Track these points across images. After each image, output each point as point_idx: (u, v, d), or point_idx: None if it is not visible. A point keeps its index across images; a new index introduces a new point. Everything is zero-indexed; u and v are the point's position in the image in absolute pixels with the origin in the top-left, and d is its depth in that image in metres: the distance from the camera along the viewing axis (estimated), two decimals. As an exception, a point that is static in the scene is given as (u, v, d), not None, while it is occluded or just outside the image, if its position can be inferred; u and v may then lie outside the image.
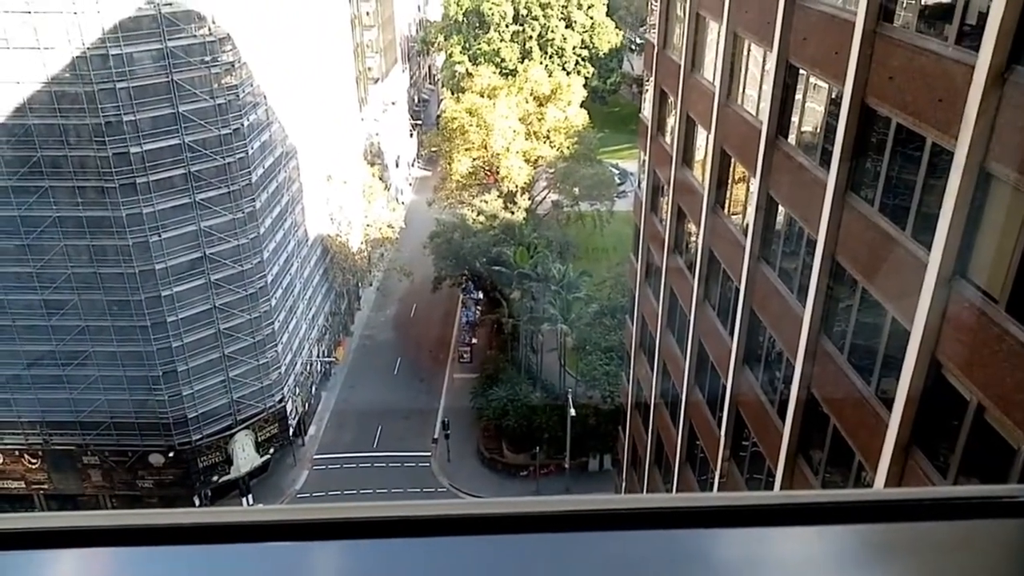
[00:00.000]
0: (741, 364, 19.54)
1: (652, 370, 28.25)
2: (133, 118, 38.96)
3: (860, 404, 13.28)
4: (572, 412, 44.01)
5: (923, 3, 11.65)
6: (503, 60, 79.82)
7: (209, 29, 40.38)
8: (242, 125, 42.60)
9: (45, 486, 47.41)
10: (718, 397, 21.15)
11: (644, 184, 29.11)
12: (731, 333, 19.84)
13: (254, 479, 47.77)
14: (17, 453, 46.27)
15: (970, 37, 10.15)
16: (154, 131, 39.84)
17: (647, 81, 28.60)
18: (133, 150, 39.19)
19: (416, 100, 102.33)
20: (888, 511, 1.47)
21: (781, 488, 16.35)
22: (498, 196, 58.94)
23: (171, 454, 45.48)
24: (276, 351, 47.34)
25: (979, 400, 10.07)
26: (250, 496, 46.90)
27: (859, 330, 13.90)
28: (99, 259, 40.91)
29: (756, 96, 18.29)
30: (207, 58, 40.47)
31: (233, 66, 42.07)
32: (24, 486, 47.33)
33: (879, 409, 12.58)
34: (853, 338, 14.04)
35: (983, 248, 10.28)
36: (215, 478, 46.91)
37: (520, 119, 61.66)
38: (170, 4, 38.87)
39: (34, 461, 46.58)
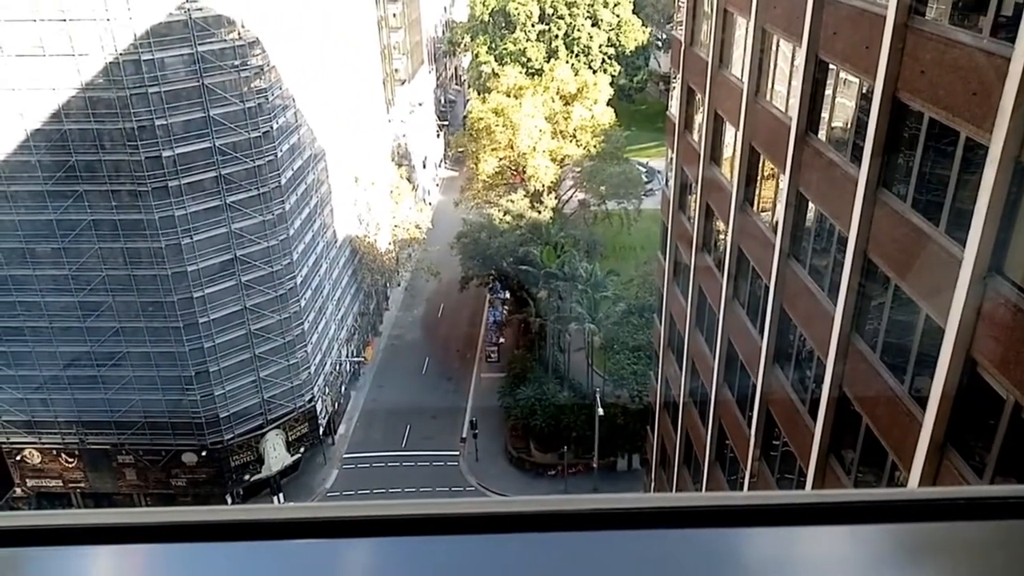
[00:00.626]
0: (771, 363, 19.35)
1: (681, 369, 28.07)
2: (165, 122, 39.57)
3: (893, 403, 13.09)
4: (600, 411, 43.87)
5: (956, -5, 11.45)
6: (529, 60, 79.83)
7: (239, 33, 40.87)
8: (271, 128, 43.08)
9: (82, 484, 48.31)
10: (748, 396, 20.97)
11: (672, 182, 28.94)
12: (761, 332, 19.65)
13: (285, 478, 48.28)
14: (55, 452, 47.22)
15: (1006, 29, 9.96)
16: (186, 135, 40.42)
17: (674, 78, 28.42)
18: (165, 154, 39.81)
19: (443, 101, 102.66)
20: (922, 510, 1.45)
21: (813, 488, 16.16)
22: (525, 195, 58.97)
23: (204, 453, 46.11)
24: (306, 351, 47.79)
25: (1016, 399, 9.88)
26: (281, 495, 47.40)
27: (892, 328, 13.70)
28: (133, 261, 41.60)
29: (785, 92, 18.10)
30: (237, 62, 40.98)
31: (262, 69, 42.55)
32: (62, 484, 48.29)
33: (912, 408, 12.39)
34: (886, 336, 13.84)
35: (1019, 244, 10.09)
36: (247, 477, 47.47)
37: (546, 118, 61.61)
38: (200, 9, 39.41)
39: (71, 460, 47.50)
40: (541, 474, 48.88)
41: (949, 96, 11.30)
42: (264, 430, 47.15)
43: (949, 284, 10.92)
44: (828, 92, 15.86)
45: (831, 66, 15.59)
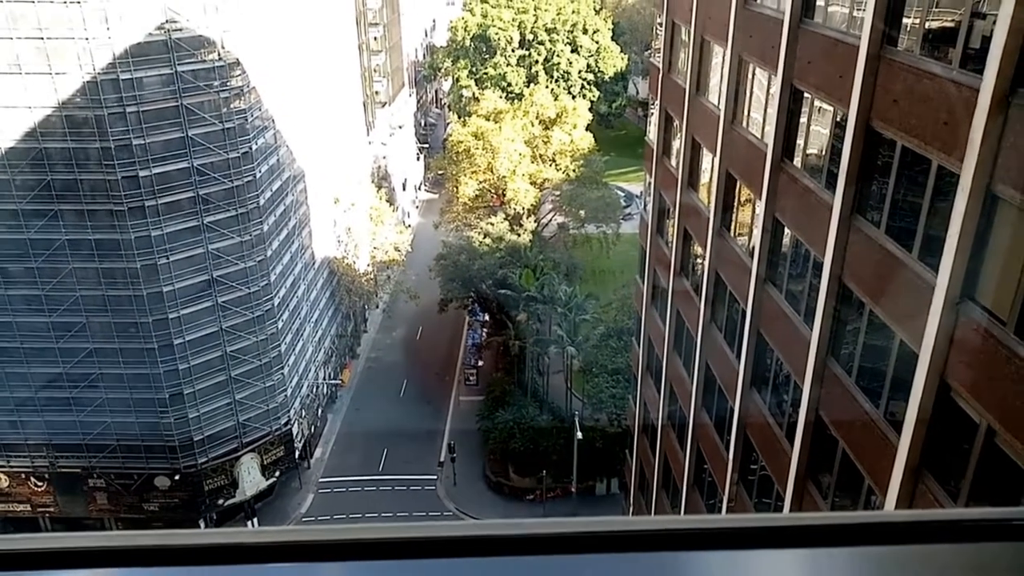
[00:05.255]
0: (748, 387, 19.45)
1: (659, 393, 28.13)
2: (143, 142, 39.31)
3: (869, 427, 13.18)
4: (579, 435, 43.78)
5: (927, 27, 11.71)
6: (509, 84, 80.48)
7: (219, 54, 40.83)
8: (250, 148, 42.95)
9: (51, 509, 47.28)
10: (726, 420, 21.03)
11: (650, 207, 29.17)
12: (738, 356, 19.76)
13: (260, 502, 47.58)
14: (23, 476, 46.22)
15: (974, 60, 10.20)
16: (163, 154, 40.18)
17: (652, 105, 28.75)
18: (142, 173, 39.51)
19: (423, 124, 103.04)
20: (898, 532, 1.45)
21: (790, 512, 16.19)
22: (504, 218, 59.13)
23: (177, 477, 45.36)
24: (282, 373, 47.34)
25: (989, 423, 9.99)
26: (255, 519, 46.67)
27: (867, 352, 13.84)
28: (107, 281, 41.09)
29: (761, 119, 18.36)
30: (216, 83, 40.90)
31: (242, 90, 42.48)
32: (30, 509, 47.23)
33: (888, 432, 12.49)
34: (861, 360, 13.97)
35: (990, 270, 10.26)
36: (221, 501, 46.72)
37: (526, 142, 62.01)
38: (180, 29, 39.36)
39: (40, 484, 46.51)
40: (519, 498, 48.57)
41: (921, 125, 11.52)
42: (239, 453, 46.52)
43: (922, 310, 11.06)
44: (803, 120, 16.11)
45: (806, 94, 15.85)
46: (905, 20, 12.13)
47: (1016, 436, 9.52)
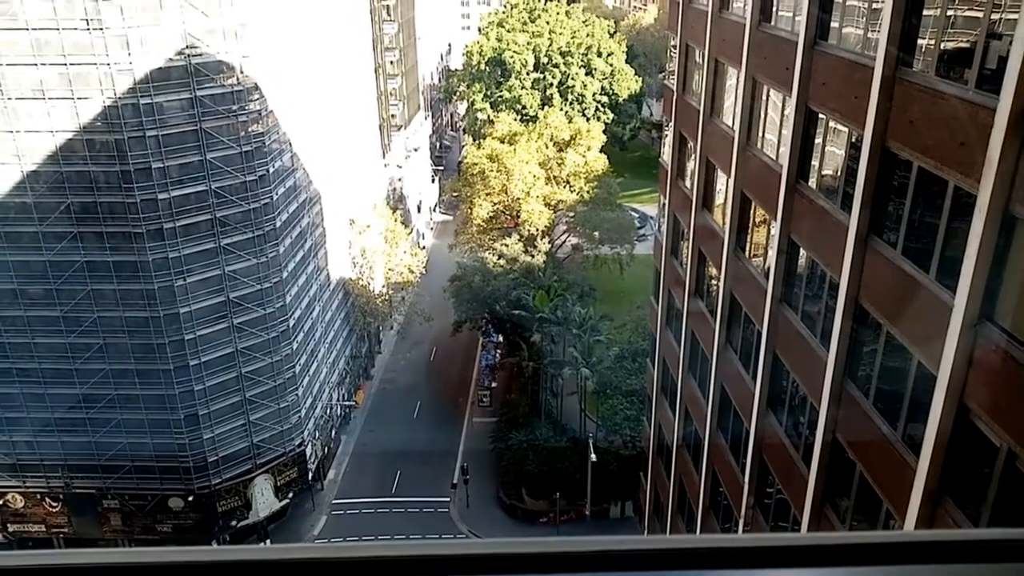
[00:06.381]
0: (764, 409, 19.28)
1: (674, 414, 27.93)
2: (162, 165, 39.84)
3: (887, 450, 13.02)
4: (593, 457, 43.49)
5: (942, 48, 11.71)
6: (524, 107, 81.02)
7: (237, 79, 41.40)
8: (267, 171, 43.40)
9: (65, 530, 47.41)
10: (741, 442, 20.83)
11: (664, 228, 29.15)
12: (754, 377, 19.61)
13: (272, 524, 47.52)
14: (39, 496, 46.43)
15: (990, 81, 10.17)
16: (182, 178, 40.68)
17: (667, 126, 28.83)
18: (161, 196, 39.99)
19: (439, 146, 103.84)
20: (916, 552, 1.44)
21: (808, 537, 15.96)
22: (518, 240, 59.30)
23: (191, 498, 45.41)
24: (297, 395, 47.43)
25: (1009, 446, 9.84)
26: (268, 541, 46.56)
27: (884, 374, 13.70)
28: (125, 303, 41.47)
29: (776, 140, 18.36)
30: (235, 107, 41.44)
31: (260, 114, 43.02)
32: (45, 530, 47.39)
33: (906, 455, 12.33)
34: (878, 382, 13.83)
35: (1009, 291, 10.15)
36: (234, 523, 46.69)
37: (540, 164, 62.31)
38: (200, 55, 39.97)
39: (55, 504, 46.69)
40: (532, 521, 48.21)
41: (937, 146, 11.48)
42: (253, 475, 46.54)
43: (940, 331, 10.95)
44: (818, 141, 16.09)
45: (820, 116, 15.85)
46: (920, 41, 12.13)
47: (1038, 460, 9.37)
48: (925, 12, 11.91)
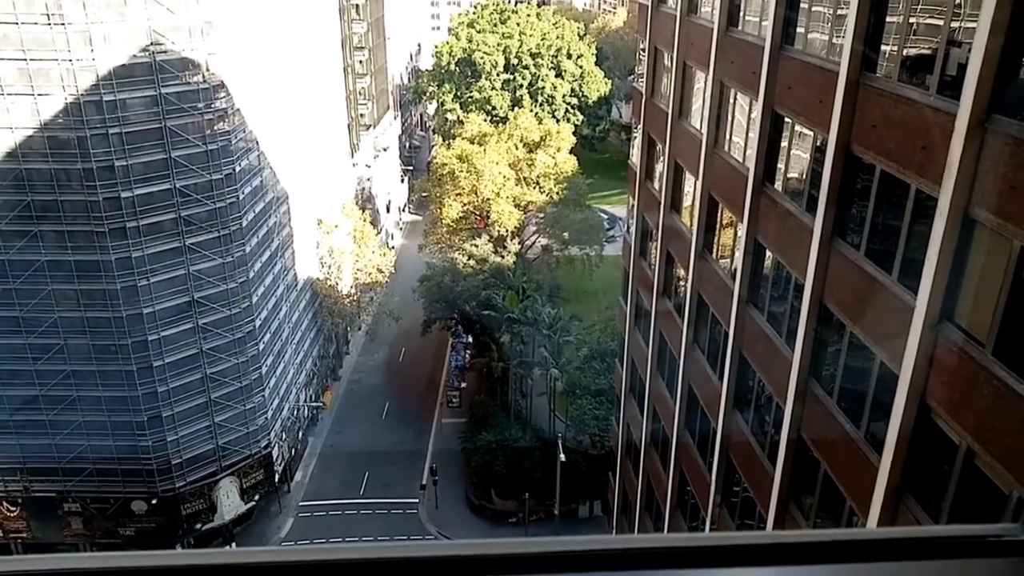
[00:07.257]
0: (731, 408, 19.48)
1: (642, 414, 28.12)
2: (125, 163, 39.14)
3: (850, 448, 13.23)
4: (562, 457, 43.60)
5: (905, 54, 11.93)
6: (494, 108, 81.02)
7: (203, 76, 40.82)
8: (233, 170, 42.86)
9: (24, 535, 46.38)
10: (708, 441, 21.03)
11: (633, 229, 29.33)
12: (720, 377, 19.81)
13: (238, 527, 46.92)
14: (-4, 500, 45.40)
15: (951, 87, 10.38)
16: (145, 176, 39.99)
17: (635, 128, 29.01)
18: (124, 194, 39.29)
19: (408, 146, 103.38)
20: (879, 549, 1.46)
21: (773, 535, 16.13)
22: (488, 240, 59.27)
23: (154, 501, 44.68)
24: (263, 396, 46.90)
25: (968, 444, 10.06)
26: (233, 544, 45.94)
27: (848, 373, 13.92)
28: (87, 303, 40.67)
29: (743, 143, 18.57)
30: (200, 104, 40.85)
31: (226, 112, 42.47)
32: (1, 535, 46.29)
33: (869, 453, 12.53)
34: (842, 381, 14.04)
35: (969, 292, 10.37)
36: (198, 526, 46.03)
37: (510, 165, 62.35)
38: (165, 52, 39.35)
39: (13, 509, 45.65)
40: (502, 521, 48.21)
41: (899, 150, 11.69)
42: (218, 477, 45.93)
43: (902, 331, 11.15)
44: (784, 144, 16.30)
45: (786, 119, 16.06)
46: (884, 47, 12.34)
47: (996, 457, 9.58)
48: (888, 19, 12.13)
